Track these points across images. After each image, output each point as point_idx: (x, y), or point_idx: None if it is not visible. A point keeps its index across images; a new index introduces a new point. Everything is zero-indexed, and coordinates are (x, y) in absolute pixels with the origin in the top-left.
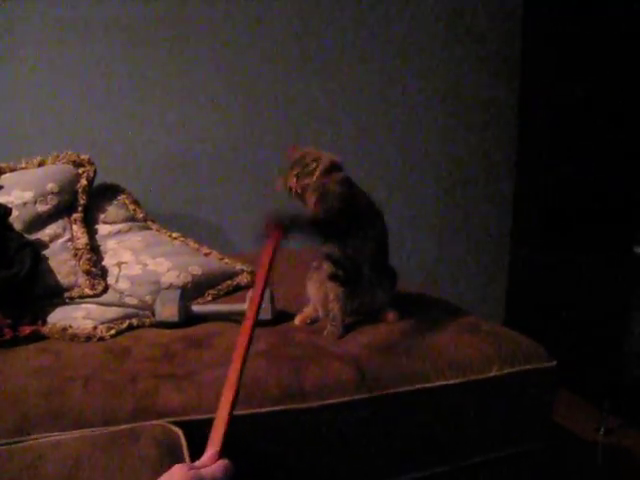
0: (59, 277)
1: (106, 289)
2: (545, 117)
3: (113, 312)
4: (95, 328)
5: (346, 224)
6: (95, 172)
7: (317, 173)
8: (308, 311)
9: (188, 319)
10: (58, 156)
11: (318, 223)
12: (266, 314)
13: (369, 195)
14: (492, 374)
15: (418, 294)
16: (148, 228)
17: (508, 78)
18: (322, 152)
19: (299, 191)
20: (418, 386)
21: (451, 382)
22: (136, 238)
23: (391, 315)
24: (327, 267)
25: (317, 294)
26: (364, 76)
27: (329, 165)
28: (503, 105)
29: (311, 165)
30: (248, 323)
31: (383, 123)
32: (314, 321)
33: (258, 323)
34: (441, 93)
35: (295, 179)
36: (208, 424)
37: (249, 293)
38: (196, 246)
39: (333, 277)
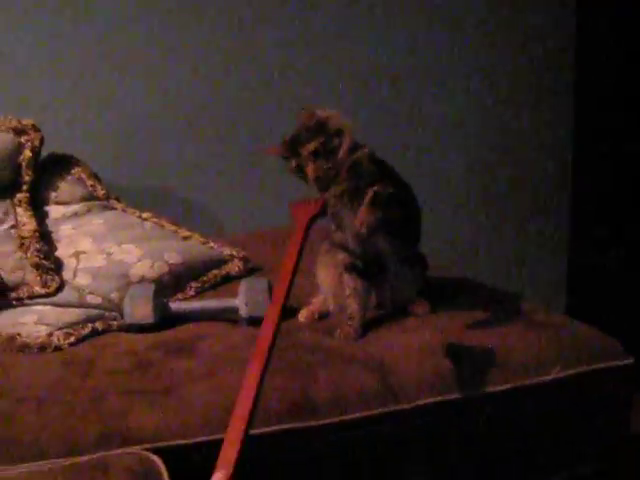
0: (2, 273)
1: (62, 286)
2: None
3: (72, 315)
4: (50, 335)
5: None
6: (42, 141)
7: (341, 151)
8: (316, 304)
9: (166, 320)
10: None
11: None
12: (262, 311)
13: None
14: (552, 376)
15: (455, 279)
16: (111, 208)
17: (562, 43)
18: (342, 118)
19: (320, 175)
20: (457, 395)
21: (500, 388)
22: (97, 221)
23: (421, 307)
24: (343, 256)
25: (329, 282)
26: (379, 41)
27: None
28: (557, 74)
29: (333, 141)
30: (269, 325)
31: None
32: (323, 316)
33: (253, 321)
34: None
35: (312, 160)
36: (193, 450)
37: (242, 284)
38: (173, 228)
39: (350, 268)
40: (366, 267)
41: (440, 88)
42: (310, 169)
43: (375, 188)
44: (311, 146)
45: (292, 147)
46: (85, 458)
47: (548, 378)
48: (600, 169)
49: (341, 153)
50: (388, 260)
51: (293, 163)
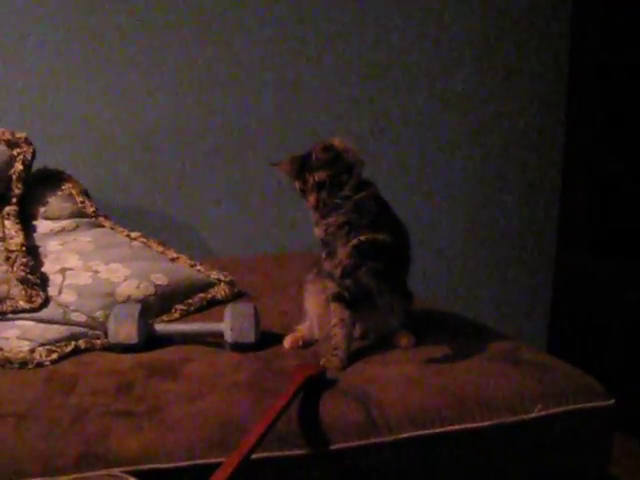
0: None
1: (46, 302)
2: (596, 103)
3: (55, 331)
4: (32, 351)
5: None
6: (34, 154)
7: (347, 189)
8: (302, 331)
9: (150, 341)
10: None
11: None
12: (247, 337)
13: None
14: (533, 415)
15: (439, 312)
16: (100, 225)
17: (554, 62)
18: (354, 153)
19: (320, 206)
20: (440, 429)
21: (482, 424)
22: (85, 238)
23: (405, 339)
24: (330, 285)
25: (315, 310)
26: (373, 52)
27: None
28: (549, 91)
29: (342, 176)
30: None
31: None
32: (308, 344)
33: (238, 346)
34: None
35: (316, 190)
36: (174, 475)
37: (227, 308)
38: (160, 249)
39: (337, 298)
40: (353, 298)
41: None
42: (312, 198)
43: (361, 238)
44: (317, 176)
45: (300, 169)
46: (64, 479)
47: (530, 416)
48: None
49: (346, 190)
50: (374, 294)
51: (297, 185)
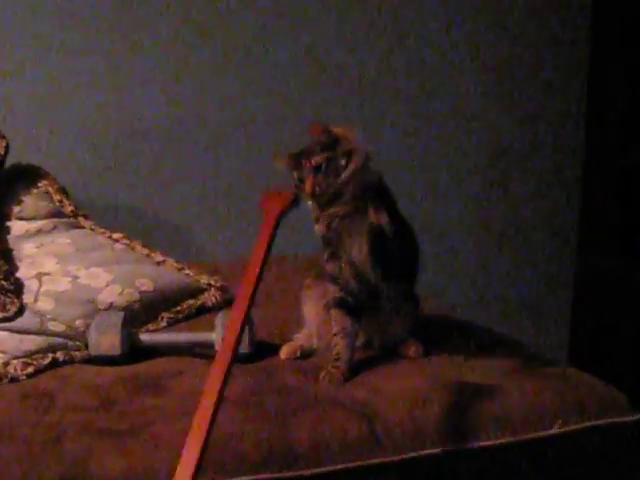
0: None
1: (21, 310)
2: (618, 95)
3: (31, 342)
4: (6, 365)
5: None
6: (7, 149)
7: (347, 174)
8: (299, 340)
9: (134, 352)
10: None
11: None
12: (242, 346)
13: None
14: (554, 431)
15: (449, 319)
16: (79, 226)
17: (574, 55)
18: (356, 140)
19: (317, 191)
20: (452, 447)
21: (498, 442)
22: (63, 240)
23: (413, 348)
24: (332, 290)
25: (314, 317)
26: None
27: (363, 162)
28: (569, 86)
29: (340, 160)
30: (223, 356)
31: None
32: (307, 354)
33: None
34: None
35: (312, 173)
36: None
37: (219, 316)
38: (145, 251)
39: (340, 304)
40: (357, 303)
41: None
42: (308, 182)
43: (370, 221)
44: (314, 160)
45: (297, 159)
46: None
47: (548, 433)
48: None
49: (345, 174)
50: (381, 296)
51: (295, 175)
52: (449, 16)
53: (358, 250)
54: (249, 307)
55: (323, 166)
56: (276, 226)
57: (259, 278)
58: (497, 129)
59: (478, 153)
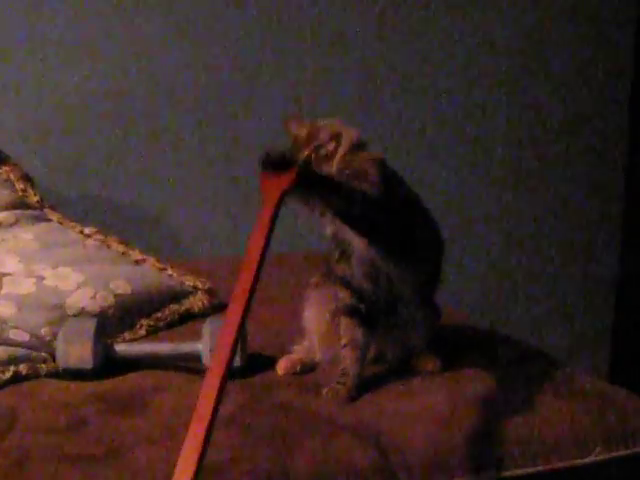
0: None
1: None
2: None
3: None
4: None
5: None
6: None
7: (338, 156)
8: (299, 353)
9: (109, 365)
10: None
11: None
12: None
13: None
14: (592, 459)
15: (472, 328)
16: (46, 219)
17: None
18: (342, 125)
19: None
20: (475, 477)
21: (527, 471)
22: (27, 235)
23: (430, 363)
24: (343, 295)
25: (318, 325)
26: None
27: (355, 142)
28: (611, 80)
29: (328, 145)
30: (215, 371)
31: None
32: (306, 369)
33: None
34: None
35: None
36: None
37: (206, 324)
38: (122, 248)
39: (350, 311)
40: (371, 312)
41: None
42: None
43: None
44: (301, 155)
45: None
46: None
47: (586, 461)
48: None
49: (338, 157)
50: (400, 300)
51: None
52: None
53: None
54: (246, 311)
55: (314, 158)
56: (276, 211)
57: (257, 276)
58: (529, 122)
59: (512, 148)
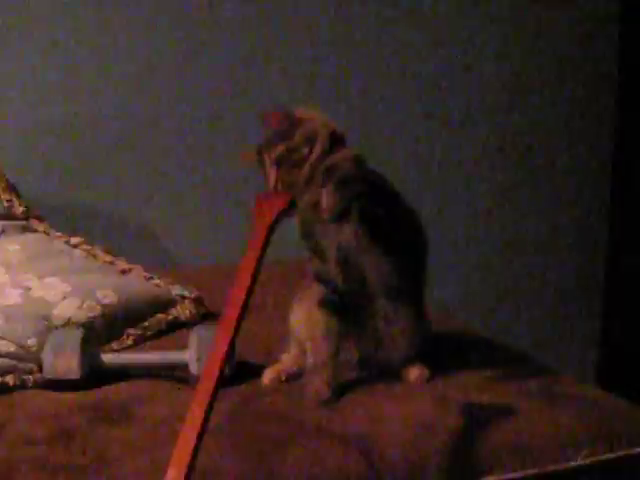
0: None
1: None
2: None
3: None
4: None
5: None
6: None
7: (311, 161)
8: (286, 362)
9: (96, 376)
10: None
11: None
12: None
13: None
14: (578, 463)
15: (457, 333)
16: (32, 230)
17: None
18: (320, 120)
19: (282, 185)
20: None
21: (515, 476)
22: (12, 246)
23: (416, 372)
24: (317, 289)
25: (305, 328)
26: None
27: (333, 138)
28: (597, 83)
29: (302, 149)
30: (207, 383)
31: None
32: (293, 377)
33: None
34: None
35: (276, 168)
36: None
37: (194, 332)
38: (108, 258)
39: (324, 303)
40: (345, 302)
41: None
42: (271, 177)
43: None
44: (273, 152)
45: (259, 153)
46: None
47: (573, 464)
48: None
49: (311, 160)
50: (375, 295)
51: (261, 171)
52: None
53: (345, 234)
54: (236, 330)
55: (286, 157)
56: (268, 235)
57: (247, 298)
58: (519, 124)
59: (501, 151)
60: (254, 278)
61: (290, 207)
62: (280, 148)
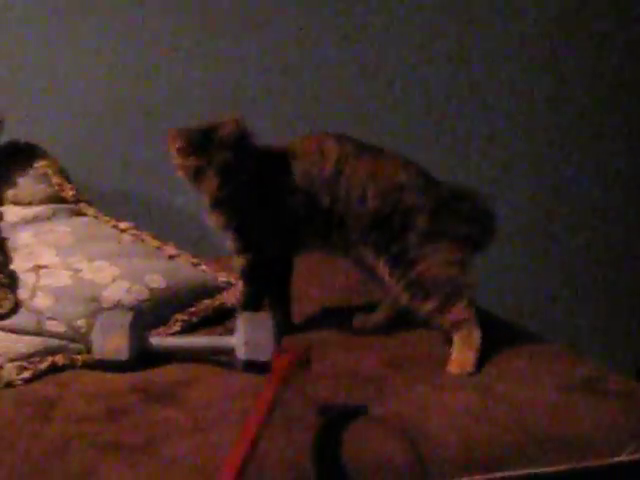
0: None
1: (16, 307)
2: None
3: (27, 344)
4: (0, 368)
5: None
6: (1, 125)
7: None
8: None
9: (144, 358)
10: None
11: None
12: (264, 353)
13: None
14: (624, 458)
15: (505, 326)
16: (81, 214)
17: None
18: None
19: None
20: (508, 474)
21: (560, 468)
22: (63, 228)
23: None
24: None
25: None
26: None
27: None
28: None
29: (247, 162)
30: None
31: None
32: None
33: (253, 365)
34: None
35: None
36: None
37: (240, 318)
38: (156, 243)
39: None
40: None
41: None
42: (215, 181)
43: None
44: (223, 156)
45: (202, 144)
46: None
47: (619, 459)
48: None
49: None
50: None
51: (191, 161)
52: None
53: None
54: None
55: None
56: (285, 379)
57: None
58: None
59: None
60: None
61: (305, 364)
62: (230, 155)
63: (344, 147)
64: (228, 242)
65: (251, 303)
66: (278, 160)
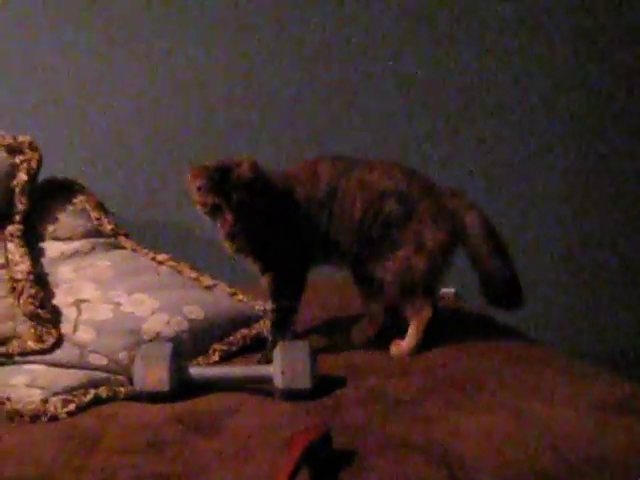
0: None
1: (60, 342)
2: None
3: (71, 377)
4: (45, 402)
5: None
6: (40, 162)
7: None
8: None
9: (184, 388)
10: None
11: None
12: (302, 382)
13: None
14: None
15: (529, 345)
16: (120, 247)
17: None
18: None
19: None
20: None
21: None
22: (103, 262)
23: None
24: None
25: None
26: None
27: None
28: None
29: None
30: None
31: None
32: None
33: (291, 394)
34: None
35: (236, 212)
36: None
37: (277, 347)
38: (194, 274)
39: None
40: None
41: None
42: (230, 219)
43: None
44: (241, 195)
45: (221, 182)
46: None
47: None
48: None
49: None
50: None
51: (210, 200)
52: None
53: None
54: None
55: (248, 204)
56: (302, 458)
57: None
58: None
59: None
60: None
61: (324, 442)
62: (248, 195)
63: (336, 166)
64: (248, 264)
65: (282, 319)
66: (285, 187)
